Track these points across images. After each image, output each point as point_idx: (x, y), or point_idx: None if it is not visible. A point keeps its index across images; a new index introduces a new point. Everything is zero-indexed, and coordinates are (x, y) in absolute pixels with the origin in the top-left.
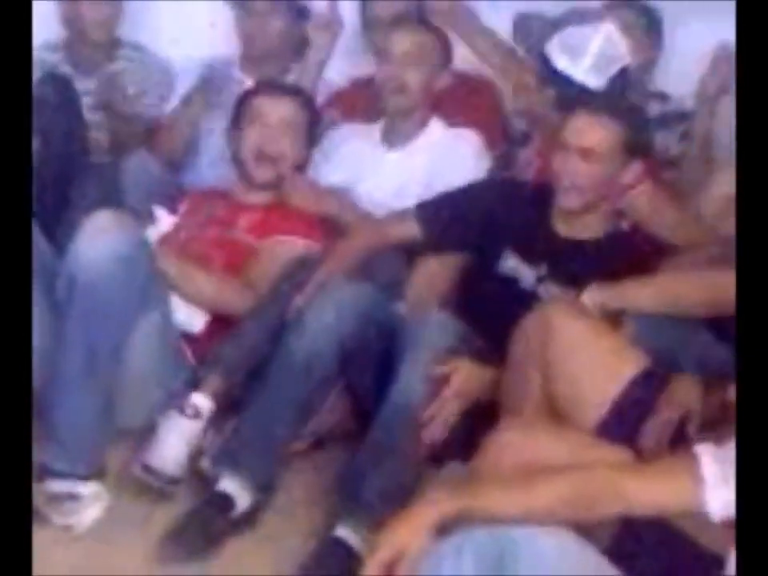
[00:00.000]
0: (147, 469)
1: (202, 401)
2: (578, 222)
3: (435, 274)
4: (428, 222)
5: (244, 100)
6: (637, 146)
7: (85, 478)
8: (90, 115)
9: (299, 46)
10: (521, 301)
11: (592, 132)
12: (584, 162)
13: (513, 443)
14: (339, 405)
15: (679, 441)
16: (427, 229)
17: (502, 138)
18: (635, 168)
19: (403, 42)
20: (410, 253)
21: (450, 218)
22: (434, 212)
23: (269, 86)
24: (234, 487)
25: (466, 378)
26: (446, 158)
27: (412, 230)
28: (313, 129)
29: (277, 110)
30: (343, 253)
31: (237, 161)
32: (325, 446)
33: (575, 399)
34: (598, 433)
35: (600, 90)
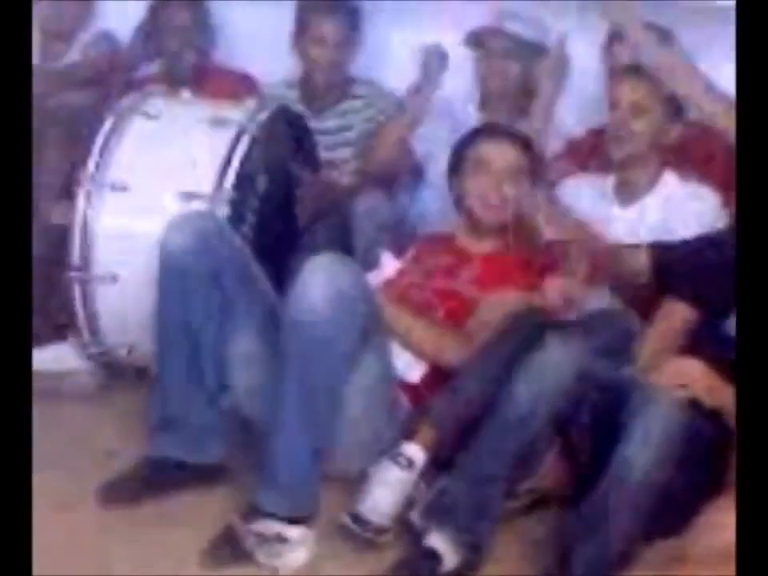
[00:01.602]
0: (355, 518)
1: (415, 452)
2: None
3: (667, 335)
4: (659, 257)
5: (465, 144)
6: None
7: (295, 521)
8: (325, 154)
9: (533, 89)
10: None
11: None
12: None
13: (729, 525)
14: (556, 466)
15: None
16: (656, 264)
17: None
18: None
19: (632, 91)
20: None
21: (682, 261)
22: (666, 250)
23: (490, 131)
24: (442, 544)
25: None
26: (680, 216)
27: (641, 261)
28: (536, 175)
29: (499, 156)
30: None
31: (460, 206)
32: (540, 507)
33: None
34: None
35: None
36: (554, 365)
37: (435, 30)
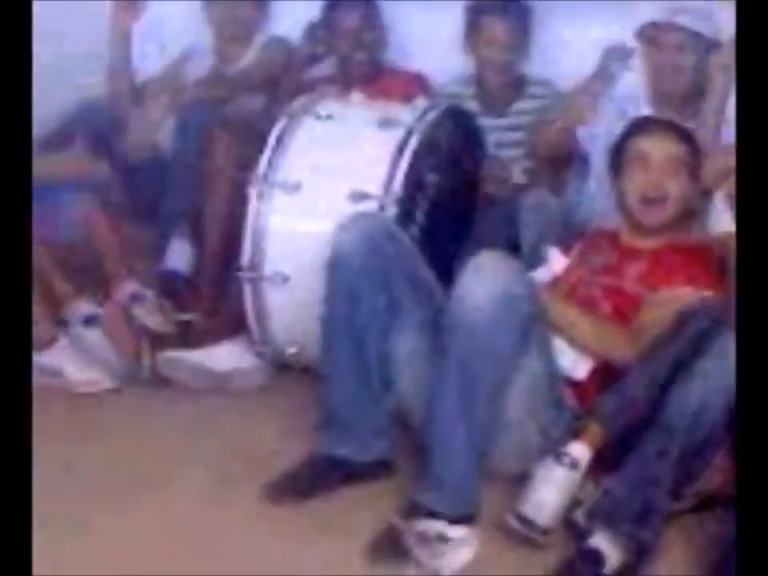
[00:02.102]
0: (520, 518)
1: (580, 450)
2: None
3: None
4: None
5: (624, 139)
6: None
7: (457, 521)
8: (497, 152)
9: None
10: None
11: None
12: None
13: None
14: (724, 467)
15: None
16: None
17: None
18: None
19: None
20: None
21: None
22: None
23: (648, 124)
24: (606, 545)
25: None
26: None
27: None
28: (698, 169)
29: (658, 150)
30: None
31: (622, 204)
32: (706, 509)
33: None
34: None
35: None
36: (731, 366)
37: (606, 26)
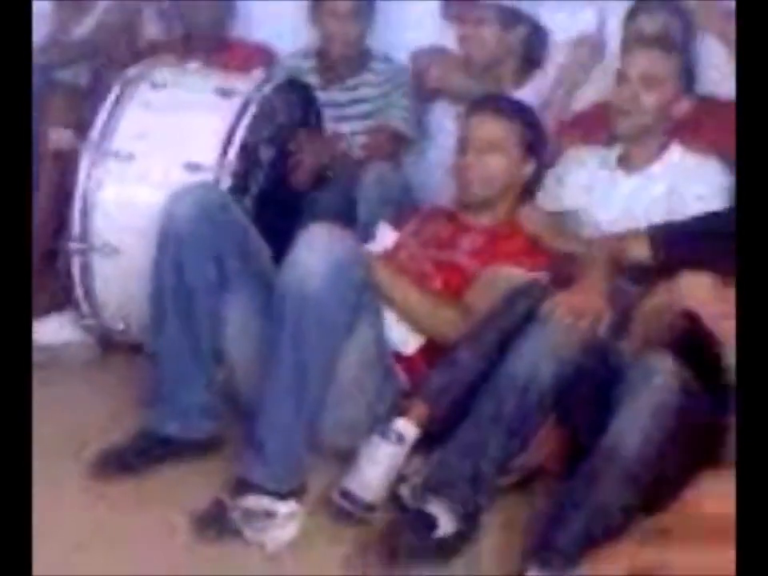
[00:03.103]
0: (345, 494)
1: (405, 427)
2: None
3: (661, 310)
4: (659, 244)
5: (463, 118)
6: None
7: (284, 496)
8: (335, 126)
9: (527, 59)
10: None
11: None
12: None
13: (714, 493)
14: (550, 440)
15: None
16: (657, 252)
17: None
18: None
19: (642, 63)
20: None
21: (684, 246)
22: (666, 235)
23: (479, 104)
24: (438, 510)
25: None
26: (686, 186)
27: (643, 251)
28: (534, 148)
29: (483, 129)
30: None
31: (456, 182)
32: (531, 482)
33: None
34: None
35: None
36: (555, 338)
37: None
